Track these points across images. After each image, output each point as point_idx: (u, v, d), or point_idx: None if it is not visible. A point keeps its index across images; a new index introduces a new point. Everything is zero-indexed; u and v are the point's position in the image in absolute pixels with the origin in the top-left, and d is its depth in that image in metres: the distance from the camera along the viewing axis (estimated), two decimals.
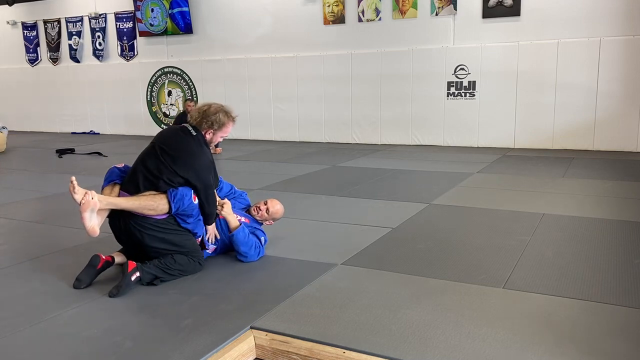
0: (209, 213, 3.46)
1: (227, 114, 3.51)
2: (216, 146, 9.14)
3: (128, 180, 3.36)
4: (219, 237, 3.65)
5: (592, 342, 2.42)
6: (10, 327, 2.69)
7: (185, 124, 3.52)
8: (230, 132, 3.59)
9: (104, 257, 3.31)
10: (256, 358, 2.61)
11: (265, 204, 3.87)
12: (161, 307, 2.89)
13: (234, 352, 2.47)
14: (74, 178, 3.09)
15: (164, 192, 3.26)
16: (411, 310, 2.76)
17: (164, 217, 3.27)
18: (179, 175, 3.28)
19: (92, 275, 3.26)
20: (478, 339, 2.45)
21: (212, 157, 3.50)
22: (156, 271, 3.22)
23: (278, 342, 2.55)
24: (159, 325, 2.67)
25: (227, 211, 3.62)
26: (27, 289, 3.20)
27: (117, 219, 3.29)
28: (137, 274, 3.15)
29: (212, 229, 3.60)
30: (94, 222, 3.11)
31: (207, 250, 3.62)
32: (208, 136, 3.46)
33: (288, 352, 2.52)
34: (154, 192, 3.26)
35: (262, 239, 3.72)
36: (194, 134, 3.41)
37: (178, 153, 3.32)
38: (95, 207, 3.09)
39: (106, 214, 3.25)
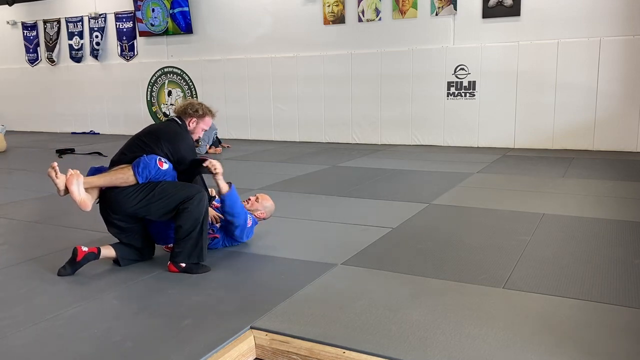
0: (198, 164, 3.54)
1: (208, 107, 3.78)
2: (216, 146, 9.15)
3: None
4: (221, 216, 3.73)
5: (592, 342, 2.42)
6: (10, 327, 2.69)
7: (170, 118, 3.76)
8: (210, 125, 3.83)
9: (85, 249, 3.39)
10: (256, 358, 2.61)
11: (255, 196, 4.06)
12: (161, 307, 2.89)
13: (234, 352, 2.47)
14: (55, 164, 3.22)
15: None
16: (411, 310, 2.76)
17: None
18: (162, 151, 3.41)
19: (74, 267, 3.38)
20: (478, 339, 2.45)
21: (194, 145, 3.69)
22: (180, 248, 3.33)
23: (278, 342, 2.55)
24: (159, 325, 2.67)
25: (219, 173, 3.56)
26: (27, 289, 3.20)
27: (103, 203, 3.40)
28: (182, 265, 3.34)
29: (211, 213, 3.69)
30: (83, 195, 3.22)
31: (215, 237, 3.74)
32: (191, 125, 3.69)
33: (288, 352, 2.52)
34: (122, 165, 3.35)
35: (250, 219, 3.78)
36: (180, 122, 3.66)
37: (162, 134, 3.53)
38: (79, 178, 3.21)
39: (94, 196, 3.34)
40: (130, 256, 3.56)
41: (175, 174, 3.46)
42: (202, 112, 3.68)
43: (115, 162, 3.45)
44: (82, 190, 3.22)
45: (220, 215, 3.75)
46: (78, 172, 3.26)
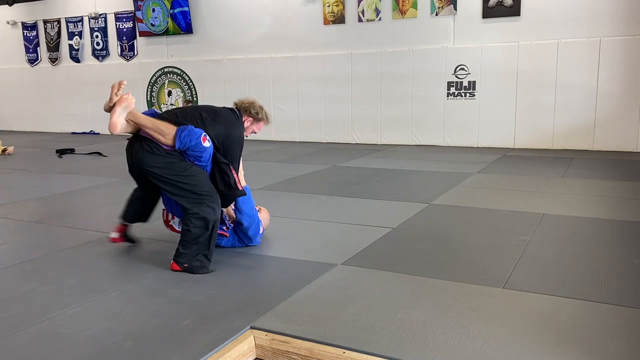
0: (227, 184, 3.48)
1: (267, 113, 3.89)
2: None
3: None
4: (235, 217, 3.75)
5: (593, 342, 2.42)
6: (10, 327, 2.69)
7: (231, 107, 3.80)
8: (260, 130, 3.92)
9: (115, 237, 3.82)
10: (256, 358, 2.61)
11: (258, 207, 4.03)
12: (161, 307, 2.89)
13: (234, 352, 2.47)
14: (125, 82, 3.34)
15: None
16: (411, 310, 2.76)
17: (171, 149, 3.36)
18: (213, 132, 3.43)
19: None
20: (478, 339, 2.45)
21: (243, 139, 3.70)
22: (185, 249, 3.36)
23: (278, 342, 2.55)
24: (159, 325, 2.67)
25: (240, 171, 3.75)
26: (27, 289, 3.20)
27: (132, 144, 3.44)
28: (184, 265, 3.36)
29: (228, 210, 3.76)
30: (120, 119, 3.29)
31: (223, 235, 3.76)
32: (246, 123, 3.75)
33: (288, 352, 2.52)
34: (169, 123, 3.38)
35: (261, 227, 3.85)
36: (239, 115, 3.70)
37: (220, 116, 3.58)
38: (130, 105, 3.30)
39: (130, 128, 3.39)
40: (134, 206, 3.78)
41: (210, 161, 3.44)
42: (261, 116, 3.78)
43: (162, 118, 3.46)
44: (122, 116, 3.29)
45: (234, 216, 3.78)
46: (133, 101, 3.33)
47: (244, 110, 3.74)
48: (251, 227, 3.74)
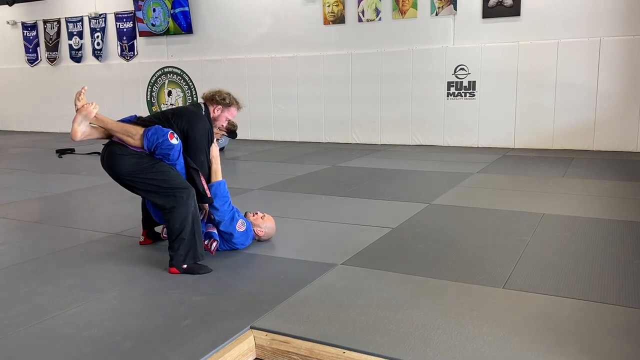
0: (198, 176, 3.56)
1: (236, 98, 3.84)
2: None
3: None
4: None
5: (593, 342, 2.42)
6: (10, 327, 2.69)
7: (196, 102, 3.89)
8: (235, 116, 3.88)
9: (141, 240, 3.97)
10: (256, 358, 2.61)
11: (262, 214, 3.97)
12: (161, 307, 2.89)
13: (234, 352, 2.47)
14: (85, 87, 3.44)
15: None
16: (411, 310, 2.76)
17: (141, 150, 3.41)
18: (178, 128, 3.51)
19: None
20: (478, 339, 2.45)
21: (212, 131, 3.72)
22: (173, 251, 3.36)
23: (278, 342, 2.55)
24: (159, 325, 2.67)
25: (215, 155, 3.75)
26: (27, 289, 3.20)
27: (105, 149, 3.51)
28: (183, 266, 3.35)
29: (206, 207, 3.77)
30: (81, 127, 3.37)
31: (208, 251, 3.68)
32: (216, 112, 3.73)
33: (288, 352, 2.52)
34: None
35: (242, 221, 3.73)
36: (203, 109, 3.71)
37: (184, 112, 3.65)
38: (89, 115, 3.35)
39: (97, 134, 3.48)
40: (143, 213, 3.93)
41: (182, 160, 3.48)
42: (229, 101, 3.75)
43: (133, 123, 3.53)
44: (83, 124, 3.37)
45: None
46: (94, 109, 3.36)
47: (210, 100, 3.74)
48: (222, 222, 3.65)
